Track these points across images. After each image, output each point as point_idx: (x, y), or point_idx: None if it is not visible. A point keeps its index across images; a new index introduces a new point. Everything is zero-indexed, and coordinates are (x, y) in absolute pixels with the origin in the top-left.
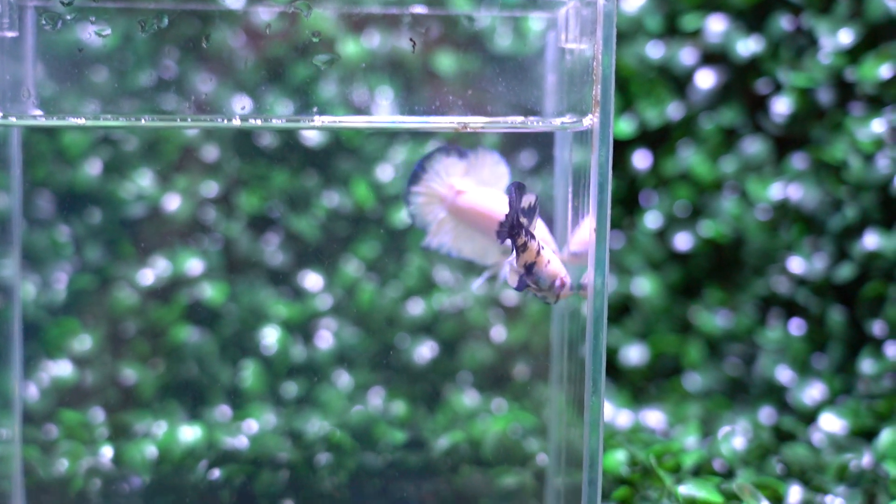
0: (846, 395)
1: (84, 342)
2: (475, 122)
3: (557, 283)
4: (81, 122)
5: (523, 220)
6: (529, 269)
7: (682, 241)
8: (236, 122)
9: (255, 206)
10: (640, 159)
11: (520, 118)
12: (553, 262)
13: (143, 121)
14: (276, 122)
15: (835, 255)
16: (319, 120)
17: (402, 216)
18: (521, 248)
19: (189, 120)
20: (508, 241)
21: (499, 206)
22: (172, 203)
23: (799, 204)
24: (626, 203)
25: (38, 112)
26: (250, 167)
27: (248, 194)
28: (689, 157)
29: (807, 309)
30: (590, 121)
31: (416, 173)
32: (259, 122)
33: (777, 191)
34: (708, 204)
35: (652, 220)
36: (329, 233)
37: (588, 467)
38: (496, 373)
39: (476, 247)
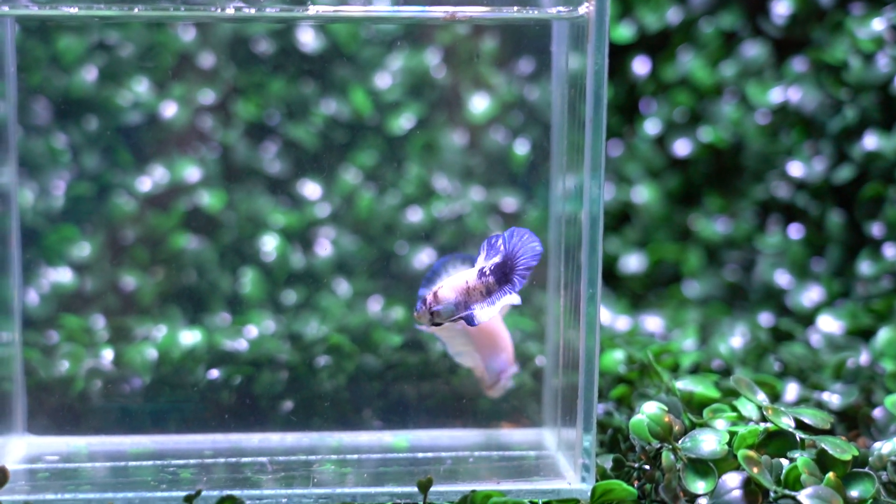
0: (844, 298)
1: (83, 249)
2: (467, 10)
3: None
4: (75, 10)
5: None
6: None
7: (682, 148)
8: (230, 12)
9: (252, 114)
10: (640, 65)
11: (514, 7)
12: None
13: (136, 10)
14: (270, 12)
15: (834, 157)
16: (314, 9)
17: (400, 124)
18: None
19: (182, 9)
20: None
21: (494, 322)
22: (169, 110)
23: (799, 107)
24: (626, 110)
25: (31, 3)
26: (247, 74)
27: (244, 102)
28: (689, 62)
29: (806, 212)
30: (585, 9)
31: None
32: (253, 11)
33: (777, 94)
34: (707, 109)
35: (651, 126)
36: (327, 140)
37: (584, 363)
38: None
39: (459, 347)
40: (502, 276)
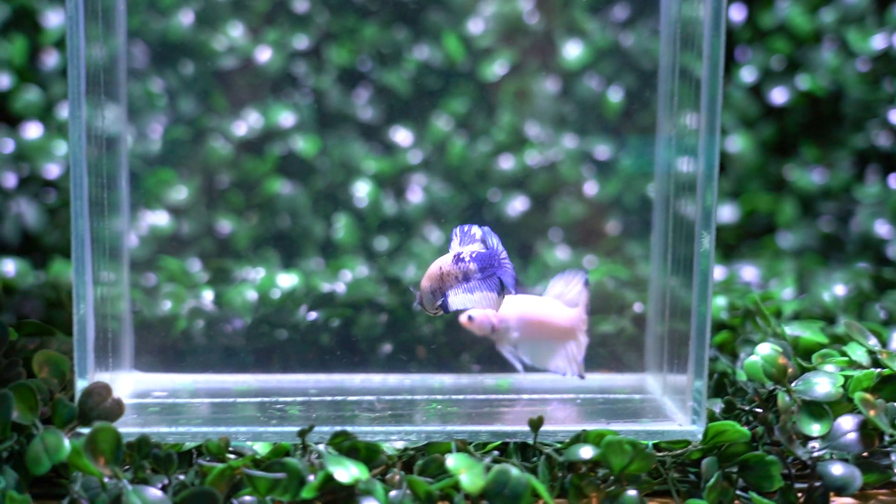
0: None
1: (180, 192)
2: None
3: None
4: None
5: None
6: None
7: (779, 96)
8: None
9: (345, 60)
10: (736, 12)
11: None
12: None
13: None
14: None
15: None
16: None
17: (493, 70)
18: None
19: None
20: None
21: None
22: (263, 55)
23: None
24: None
25: None
26: (340, 20)
27: (338, 48)
28: (787, 9)
29: None
30: None
31: None
32: None
33: (879, 41)
34: (806, 56)
35: (747, 74)
36: (419, 87)
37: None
38: (588, 228)
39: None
40: (488, 266)
